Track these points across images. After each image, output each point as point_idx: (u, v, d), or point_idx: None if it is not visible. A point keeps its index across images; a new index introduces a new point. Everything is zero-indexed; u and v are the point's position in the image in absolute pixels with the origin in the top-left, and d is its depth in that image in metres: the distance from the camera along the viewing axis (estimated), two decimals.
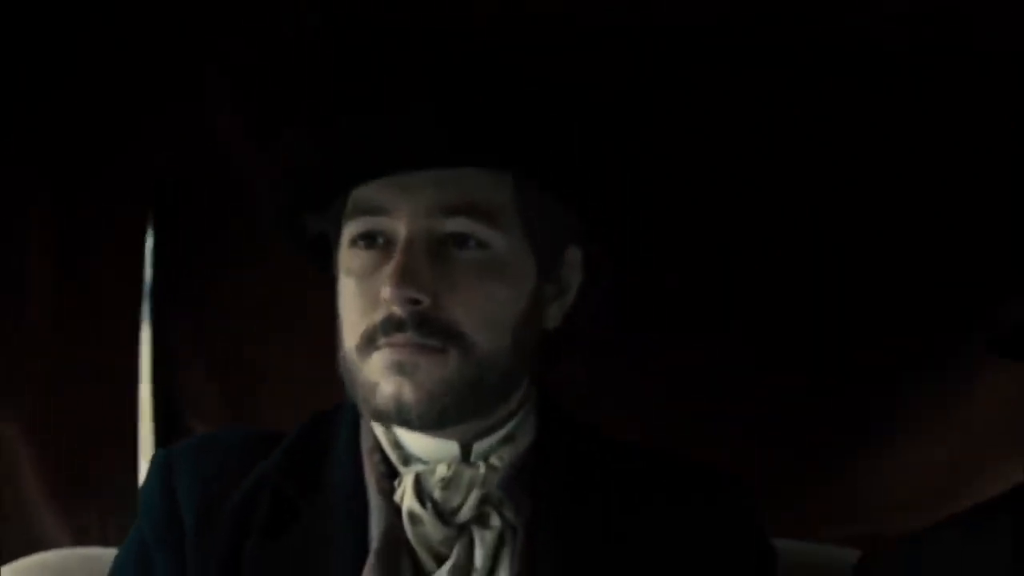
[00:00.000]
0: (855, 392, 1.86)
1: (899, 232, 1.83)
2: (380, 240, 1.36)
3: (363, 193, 1.37)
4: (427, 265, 1.33)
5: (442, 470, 1.36)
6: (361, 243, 1.37)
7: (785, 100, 1.80)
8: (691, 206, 1.81)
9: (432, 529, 1.36)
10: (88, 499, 1.88)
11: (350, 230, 1.38)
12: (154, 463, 1.45)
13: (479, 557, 1.36)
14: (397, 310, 1.32)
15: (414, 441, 1.39)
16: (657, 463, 1.46)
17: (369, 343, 1.35)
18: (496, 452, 1.39)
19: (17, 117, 1.80)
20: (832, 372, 1.87)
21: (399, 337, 1.32)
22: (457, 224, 1.34)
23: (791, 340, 1.86)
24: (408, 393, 1.33)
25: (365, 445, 1.41)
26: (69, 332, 1.87)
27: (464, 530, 1.37)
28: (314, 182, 1.40)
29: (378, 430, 1.41)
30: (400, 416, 1.34)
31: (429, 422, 1.35)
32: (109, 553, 1.75)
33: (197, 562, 1.38)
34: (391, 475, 1.39)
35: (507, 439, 1.40)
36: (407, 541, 1.36)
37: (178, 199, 1.90)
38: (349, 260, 1.38)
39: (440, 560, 1.36)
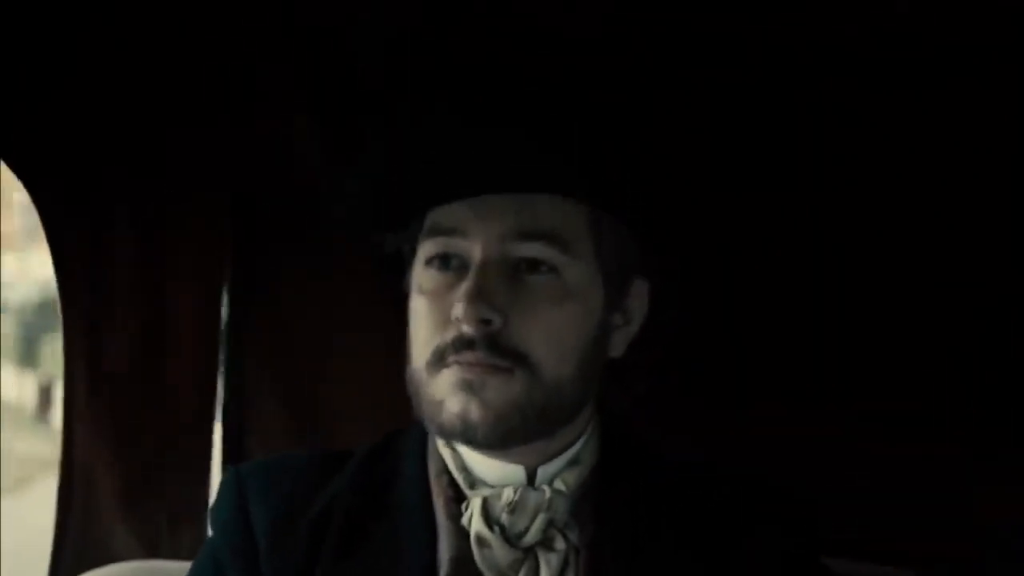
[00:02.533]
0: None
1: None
2: (455, 262, 1.38)
3: (440, 214, 1.39)
4: (500, 288, 1.35)
5: (508, 494, 1.38)
6: (436, 263, 1.39)
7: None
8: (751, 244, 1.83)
9: (499, 553, 1.38)
10: (159, 512, 1.92)
11: (426, 250, 1.40)
12: (226, 481, 1.48)
13: None
14: (468, 330, 1.34)
15: (481, 464, 1.41)
16: (719, 483, 1.47)
17: (439, 361, 1.37)
18: (560, 476, 1.41)
19: (102, 131, 1.84)
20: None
21: (469, 356, 1.35)
22: (531, 250, 1.36)
23: (839, 360, 1.86)
24: (475, 411, 1.35)
25: (433, 468, 1.44)
26: (149, 350, 1.90)
27: (529, 553, 1.39)
28: (392, 201, 1.42)
29: (446, 453, 1.43)
30: (465, 435, 1.36)
31: (494, 441, 1.36)
32: (177, 566, 1.81)
33: None
34: (458, 499, 1.41)
35: (572, 463, 1.42)
36: (475, 564, 1.38)
37: (255, 222, 1.93)
38: (423, 279, 1.40)
39: None
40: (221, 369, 1.96)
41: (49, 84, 1.76)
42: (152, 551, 1.91)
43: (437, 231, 1.39)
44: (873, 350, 1.86)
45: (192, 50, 1.84)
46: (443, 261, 1.39)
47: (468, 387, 1.35)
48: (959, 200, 1.81)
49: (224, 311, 1.95)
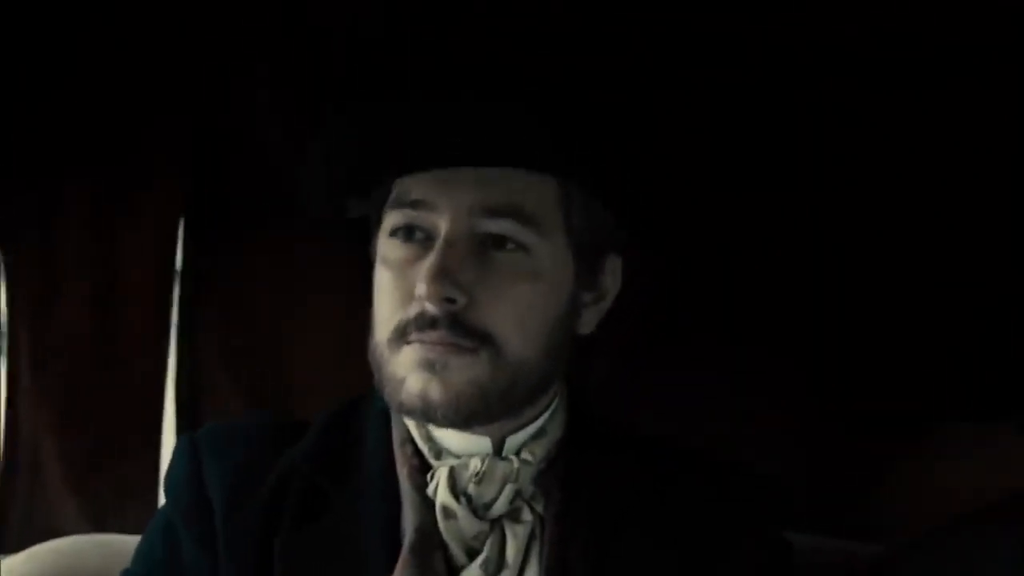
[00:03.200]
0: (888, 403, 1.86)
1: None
2: (419, 234, 1.35)
3: (407, 185, 1.35)
4: (465, 265, 1.32)
5: (476, 464, 1.36)
6: (400, 235, 1.36)
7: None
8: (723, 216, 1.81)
9: (465, 524, 1.35)
10: (107, 485, 1.87)
11: (390, 220, 1.37)
12: (180, 448, 1.44)
13: (511, 551, 1.35)
14: (431, 308, 1.31)
15: (446, 435, 1.38)
16: (683, 458, 1.46)
17: (400, 337, 1.33)
18: (528, 447, 1.38)
19: (47, 95, 1.79)
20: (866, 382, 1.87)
21: (431, 335, 1.31)
22: (499, 226, 1.33)
23: (819, 342, 1.85)
24: (435, 391, 1.32)
25: (396, 437, 1.41)
26: (97, 320, 1.86)
27: (495, 525, 1.36)
28: (356, 168, 1.38)
29: (410, 423, 1.40)
30: (426, 414, 1.33)
31: (456, 422, 1.34)
32: (124, 539, 1.78)
33: (228, 548, 1.37)
34: (423, 468, 1.38)
35: (538, 434, 1.40)
36: (440, 536, 1.35)
37: (209, 189, 1.89)
38: (387, 250, 1.37)
39: (471, 555, 1.36)
40: (173, 341, 1.92)
41: None
42: (100, 525, 1.87)
43: (403, 202, 1.35)
44: (865, 347, 1.85)
45: (151, 20, 1.80)
46: (408, 233, 1.36)
47: (430, 366, 1.32)
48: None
49: (176, 280, 1.91)
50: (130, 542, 1.71)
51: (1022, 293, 1.77)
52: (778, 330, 1.85)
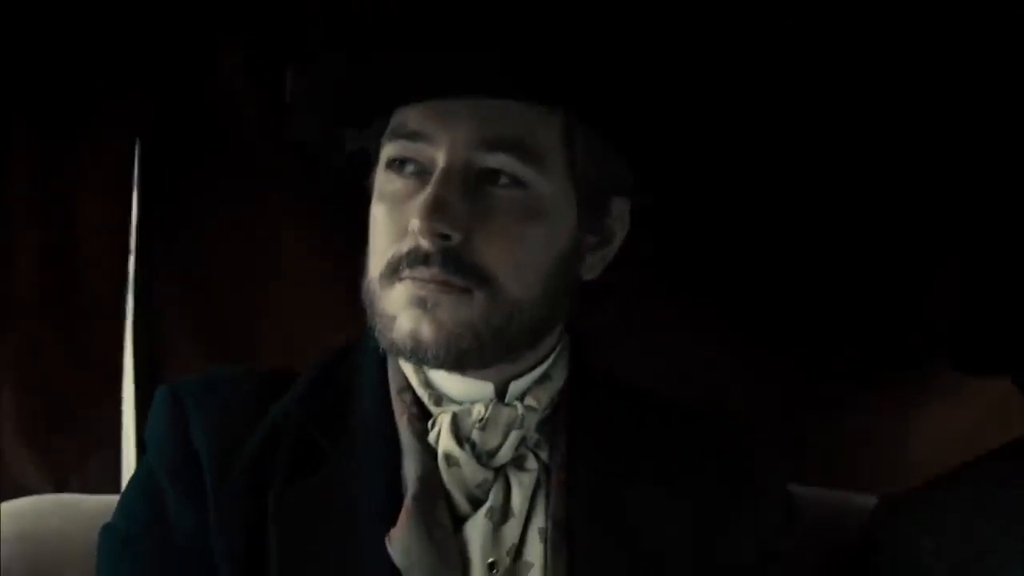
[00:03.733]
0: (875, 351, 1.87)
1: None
2: (416, 167, 1.31)
3: (404, 116, 1.31)
4: (461, 200, 1.27)
5: (479, 410, 1.32)
6: (397, 166, 1.32)
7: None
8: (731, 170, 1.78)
9: (469, 472, 1.32)
10: (68, 444, 1.82)
11: (387, 152, 1.32)
12: (160, 400, 1.38)
13: (517, 500, 1.32)
14: (425, 243, 1.27)
15: (446, 381, 1.34)
16: (685, 411, 1.44)
17: (393, 273, 1.29)
18: (531, 392, 1.35)
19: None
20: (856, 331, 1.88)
21: (423, 271, 1.27)
22: (497, 160, 1.28)
23: (813, 294, 1.85)
24: (426, 330, 1.28)
25: (394, 385, 1.36)
26: (53, 274, 1.80)
27: (500, 473, 1.33)
28: (353, 97, 1.34)
29: (408, 369, 1.36)
30: (416, 353, 1.29)
31: (446, 362, 1.30)
32: (86, 499, 1.72)
33: (218, 505, 1.32)
34: (423, 416, 1.34)
35: (542, 380, 1.36)
36: (442, 484, 1.32)
37: (165, 147, 1.83)
38: (383, 183, 1.33)
39: (476, 503, 1.32)
40: (130, 296, 1.86)
41: None
42: (61, 485, 1.81)
43: (400, 133, 1.31)
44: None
45: None
46: (404, 165, 1.31)
47: (421, 304, 1.28)
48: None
49: (133, 233, 1.85)
50: (92, 501, 1.70)
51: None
52: (762, 285, 1.84)
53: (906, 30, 1.74)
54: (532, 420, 1.34)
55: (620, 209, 1.38)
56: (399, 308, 1.29)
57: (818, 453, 1.85)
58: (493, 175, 1.29)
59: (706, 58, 1.69)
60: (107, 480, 1.81)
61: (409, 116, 1.31)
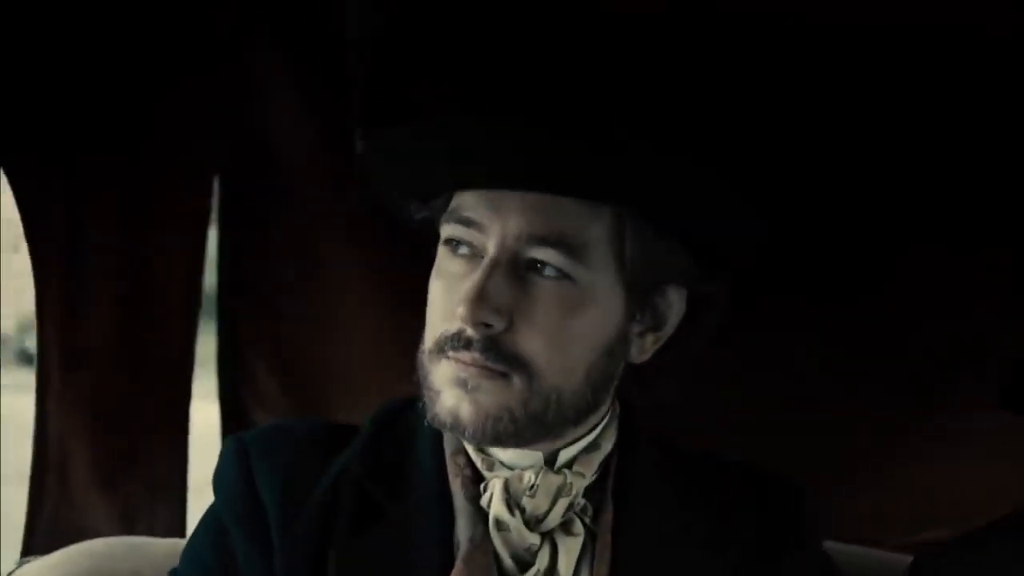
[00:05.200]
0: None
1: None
2: (469, 250, 1.36)
3: (462, 200, 1.36)
4: (506, 289, 1.32)
5: (530, 477, 1.37)
6: (453, 246, 1.37)
7: None
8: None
9: (518, 536, 1.36)
10: (136, 487, 1.88)
11: (444, 231, 1.38)
12: (229, 450, 1.43)
13: (563, 564, 1.37)
14: (469, 329, 1.32)
15: (498, 448, 1.39)
16: (728, 471, 1.47)
17: (440, 351, 1.35)
18: (580, 460, 1.39)
19: (83, 104, 1.79)
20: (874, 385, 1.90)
21: (465, 355, 1.33)
22: (544, 254, 1.32)
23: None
24: (466, 411, 1.33)
25: (449, 447, 1.41)
26: (126, 322, 1.86)
27: (547, 537, 1.37)
28: (412, 175, 1.40)
29: None
30: (455, 429, 1.35)
31: (483, 442, 1.35)
32: (156, 542, 1.77)
33: (283, 551, 1.37)
34: (476, 479, 1.39)
35: (590, 448, 1.41)
36: (492, 547, 1.37)
37: (242, 195, 1.90)
38: (440, 259, 1.38)
39: (523, 567, 1.37)
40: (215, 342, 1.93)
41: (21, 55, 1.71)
42: (128, 527, 1.87)
43: (455, 217, 1.36)
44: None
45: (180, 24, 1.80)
46: (459, 246, 1.37)
47: (463, 385, 1.33)
48: None
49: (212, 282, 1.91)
50: (161, 544, 1.75)
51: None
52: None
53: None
54: (580, 486, 1.38)
55: (675, 297, 1.40)
56: (443, 385, 1.35)
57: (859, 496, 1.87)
58: (539, 265, 1.33)
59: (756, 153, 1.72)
60: (174, 523, 1.88)
61: (465, 201, 1.36)
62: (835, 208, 1.89)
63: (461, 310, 1.31)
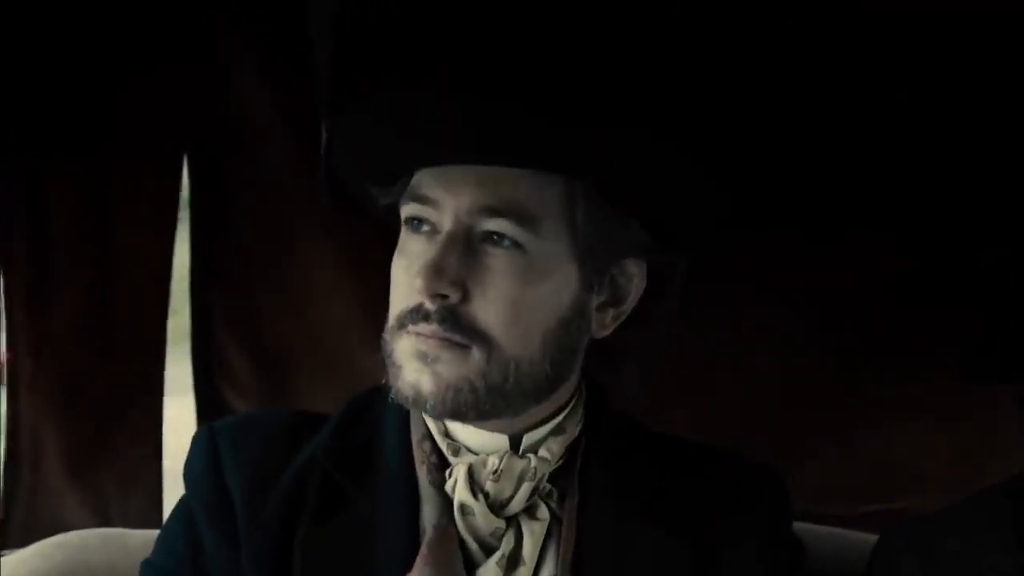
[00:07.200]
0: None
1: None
2: (427, 227, 1.37)
3: (417, 180, 1.37)
4: (460, 262, 1.33)
5: (493, 461, 1.37)
6: (413, 225, 1.38)
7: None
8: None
9: (483, 521, 1.37)
10: (109, 479, 1.88)
11: (404, 211, 1.39)
12: (199, 439, 1.45)
13: (528, 548, 1.37)
14: (427, 301, 1.34)
15: (463, 432, 1.39)
16: (695, 454, 1.47)
17: (401, 326, 1.36)
18: (545, 444, 1.40)
19: (47, 87, 1.78)
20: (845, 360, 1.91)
21: (424, 327, 1.34)
22: (497, 224, 1.34)
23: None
24: (426, 383, 1.34)
25: (415, 433, 1.42)
26: (95, 311, 1.86)
27: (512, 522, 1.38)
28: (369, 161, 1.41)
29: (428, 419, 1.41)
30: (417, 404, 1.36)
31: (443, 414, 1.36)
32: (131, 534, 1.77)
33: (249, 540, 1.38)
34: (442, 466, 1.40)
35: (556, 432, 1.41)
36: (457, 533, 1.37)
37: (213, 178, 1.89)
38: (402, 239, 1.39)
39: (488, 551, 1.37)
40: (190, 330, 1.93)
41: None
42: (103, 518, 1.87)
43: (413, 196, 1.38)
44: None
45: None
46: (420, 224, 1.38)
47: (423, 358, 1.34)
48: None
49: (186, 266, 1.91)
50: (137, 536, 1.74)
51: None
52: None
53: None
54: (544, 471, 1.38)
55: (634, 270, 1.41)
56: (404, 359, 1.36)
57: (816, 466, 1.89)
58: (494, 237, 1.34)
59: (711, 136, 1.72)
60: (149, 513, 1.87)
61: (421, 180, 1.37)
62: (814, 192, 1.88)
63: (418, 282, 1.33)
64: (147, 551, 1.46)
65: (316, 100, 1.81)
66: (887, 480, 1.98)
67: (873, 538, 1.58)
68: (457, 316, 1.33)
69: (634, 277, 1.41)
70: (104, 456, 1.88)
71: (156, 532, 1.49)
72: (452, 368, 1.33)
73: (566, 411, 1.42)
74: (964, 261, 1.89)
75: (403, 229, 1.39)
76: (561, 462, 1.40)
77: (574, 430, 1.42)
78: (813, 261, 1.91)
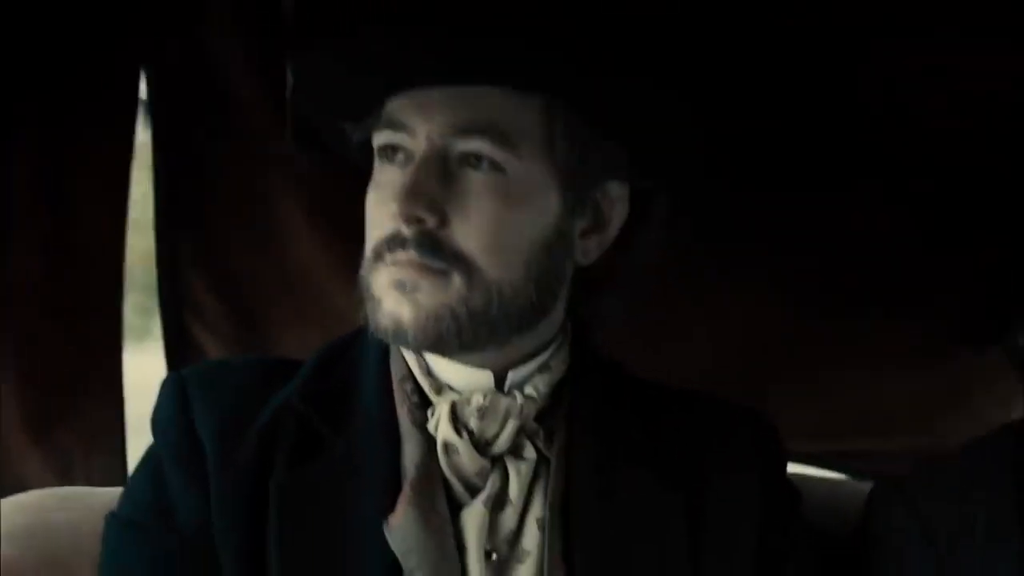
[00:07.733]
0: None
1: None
2: (401, 155, 1.33)
3: (389, 107, 1.33)
4: (437, 185, 1.29)
5: (478, 399, 1.33)
6: (387, 155, 1.34)
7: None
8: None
9: (467, 460, 1.32)
10: (71, 437, 1.82)
11: (376, 141, 1.35)
12: (168, 386, 1.40)
13: (514, 489, 1.33)
14: (403, 227, 1.29)
15: (447, 369, 1.35)
16: (683, 398, 1.45)
17: (377, 257, 1.32)
18: (531, 382, 1.36)
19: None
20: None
21: (402, 255, 1.30)
22: (472, 144, 1.30)
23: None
24: (406, 312, 1.30)
25: (395, 373, 1.38)
26: (52, 265, 1.80)
27: (498, 461, 1.34)
28: (339, 92, 1.37)
29: (410, 358, 1.37)
30: (397, 336, 1.31)
31: (424, 345, 1.31)
32: (91, 491, 1.72)
33: (220, 488, 1.33)
34: (424, 405, 1.35)
35: (541, 369, 1.37)
36: (441, 472, 1.33)
37: (176, 119, 1.84)
38: (376, 171, 1.35)
39: (473, 491, 1.33)
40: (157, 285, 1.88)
41: None
42: (65, 478, 1.82)
43: (385, 123, 1.34)
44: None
45: None
46: (394, 153, 1.33)
47: (401, 287, 1.30)
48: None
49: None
50: (97, 494, 1.69)
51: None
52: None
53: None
54: (531, 409, 1.34)
55: (616, 194, 1.38)
56: (383, 291, 1.31)
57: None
58: (471, 159, 1.30)
59: (691, 43, 1.69)
60: (111, 472, 1.82)
61: (394, 106, 1.33)
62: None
63: (393, 206, 1.29)
64: (110, 509, 1.41)
65: (283, 43, 1.76)
66: (848, 420, 2.00)
67: (866, 486, 1.57)
68: (435, 241, 1.29)
69: (616, 202, 1.38)
70: (65, 416, 1.82)
71: (119, 490, 1.44)
72: (432, 296, 1.29)
73: (552, 348, 1.38)
74: (932, 219, 1.88)
75: (376, 162, 1.35)
76: (547, 401, 1.36)
77: (560, 368, 1.38)
78: (787, 213, 1.89)
